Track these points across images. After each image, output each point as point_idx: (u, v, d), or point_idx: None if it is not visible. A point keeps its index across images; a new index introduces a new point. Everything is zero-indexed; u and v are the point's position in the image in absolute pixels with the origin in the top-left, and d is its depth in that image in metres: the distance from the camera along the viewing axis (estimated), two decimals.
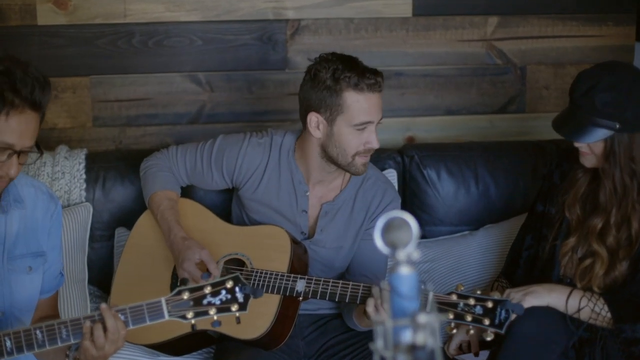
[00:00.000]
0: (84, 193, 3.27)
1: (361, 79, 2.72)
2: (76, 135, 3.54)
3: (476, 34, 3.58)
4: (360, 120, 2.75)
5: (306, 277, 2.77)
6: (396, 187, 3.35)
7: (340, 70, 2.73)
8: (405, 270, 1.74)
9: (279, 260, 2.80)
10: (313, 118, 2.79)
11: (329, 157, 2.81)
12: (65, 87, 3.49)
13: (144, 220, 3.06)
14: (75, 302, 3.13)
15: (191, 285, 2.22)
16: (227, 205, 3.18)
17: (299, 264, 2.85)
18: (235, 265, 2.88)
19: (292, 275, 2.78)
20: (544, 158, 3.39)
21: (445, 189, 3.39)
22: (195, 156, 3.03)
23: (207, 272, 2.39)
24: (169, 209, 2.95)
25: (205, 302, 2.22)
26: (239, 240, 2.91)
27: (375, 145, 2.77)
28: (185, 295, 2.22)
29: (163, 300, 2.21)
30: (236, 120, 3.57)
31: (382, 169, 3.33)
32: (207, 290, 2.22)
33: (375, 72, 2.75)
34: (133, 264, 3.03)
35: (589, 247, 2.73)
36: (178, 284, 2.29)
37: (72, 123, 3.53)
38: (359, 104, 2.74)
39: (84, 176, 3.28)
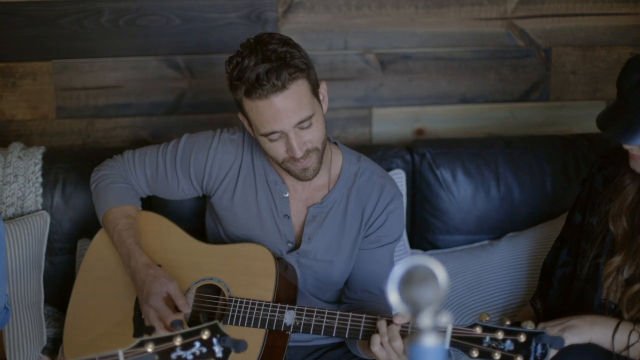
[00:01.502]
0: (40, 199, 2.93)
1: (252, 86, 2.35)
2: (37, 129, 3.27)
3: (495, 12, 3.31)
4: (263, 132, 2.41)
5: (296, 307, 2.40)
6: (404, 190, 3.04)
7: (236, 71, 2.38)
8: (430, 342, 1.35)
9: (262, 286, 2.45)
10: (245, 120, 2.49)
11: None
12: (24, 74, 3.23)
13: (100, 239, 2.68)
14: (29, 328, 2.75)
15: (157, 334, 1.78)
16: (200, 218, 2.83)
17: (287, 290, 2.49)
18: (210, 292, 2.52)
19: (279, 304, 2.41)
20: (574, 154, 3.12)
21: (462, 192, 3.09)
22: (156, 160, 2.67)
23: (178, 320, 1.97)
24: (126, 228, 2.58)
25: (174, 356, 1.81)
26: (214, 263, 2.54)
27: (297, 154, 2.40)
28: (150, 348, 1.81)
29: (121, 353, 1.79)
30: (221, 111, 3.29)
31: (388, 169, 3.01)
32: (178, 341, 1.79)
33: (271, 72, 2.33)
34: (89, 294, 2.66)
35: (638, 268, 2.38)
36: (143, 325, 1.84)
37: (33, 114, 3.27)
38: (255, 112, 2.39)
39: (40, 179, 2.94)
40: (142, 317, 2.49)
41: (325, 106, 2.50)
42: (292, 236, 2.60)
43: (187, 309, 2.43)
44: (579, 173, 3.05)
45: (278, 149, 2.42)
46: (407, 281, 1.38)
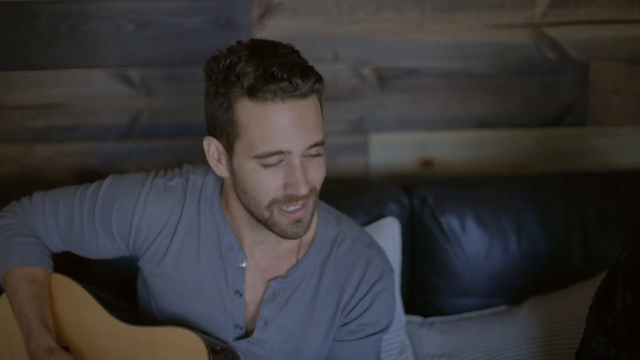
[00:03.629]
0: None
1: (261, 78, 1.83)
2: None
3: (520, 17, 2.92)
4: (262, 151, 1.87)
5: None
6: (398, 243, 2.58)
7: (235, 65, 1.87)
8: None
9: None
10: (212, 147, 1.97)
11: (245, 207, 1.99)
12: None
13: (2, 310, 2.16)
14: None
15: None
16: (134, 278, 2.33)
17: None
18: None
19: None
20: (616, 198, 2.71)
21: (473, 245, 2.65)
22: (72, 209, 2.15)
23: None
24: (30, 298, 2.07)
25: None
26: (131, 351, 2.04)
27: (302, 190, 1.88)
28: None
29: None
30: (183, 135, 2.92)
31: (379, 217, 2.60)
32: None
33: (293, 70, 1.84)
34: None
35: None
36: None
37: None
38: (258, 121, 1.86)
39: None
40: None
41: None
42: (243, 319, 2.08)
43: None
44: (621, 222, 2.65)
45: (270, 183, 1.89)
46: None
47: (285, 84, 1.82)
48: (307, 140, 1.87)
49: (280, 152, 1.86)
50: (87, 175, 2.83)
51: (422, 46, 2.90)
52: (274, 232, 1.96)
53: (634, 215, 2.21)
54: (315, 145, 1.89)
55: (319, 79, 1.90)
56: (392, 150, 2.94)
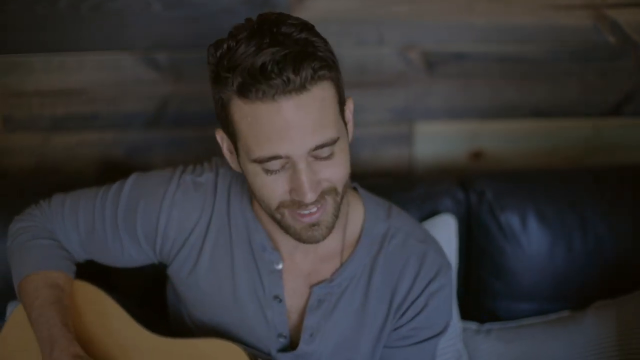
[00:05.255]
0: None
1: (250, 76, 1.61)
2: None
3: None
4: (258, 156, 1.67)
5: None
6: (454, 243, 2.38)
7: (231, 54, 1.65)
8: None
9: None
10: (224, 141, 1.82)
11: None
12: None
13: (19, 318, 1.97)
14: None
15: None
16: (162, 287, 2.15)
17: None
18: None
19: None
20: None
21: (534, 245, 2.45)
22: (93, 213, 1.97)
23: None
24: (51, 303, 1.88)
25: None
26: None
27: (307, 197, 1.67)
28: None
29: None
30: (215, 123, 2.70)
31: (432, 213, 2.41)
32: None
33: (283, 63, 1.60)
34: None
35: None
36: None
37: None
38: (249, 123, 1.66)
39: None
40: None
41: (350, 133, 1.79)
42: (286, 328, 1.90)
43: None
44: None
45: (275, 188, 1.69)
46: None
47: (275, 80, 1.60)
48: (307, 142, 1.64)
49: (279, 157, 1.65)
50: (110, 167, 2.69)
51: (473, 28, 2.73)
52: (289, 235, 1.77)
53: None
54: (323, 146, 1.66)
55: (324, 64, 1.66)
56: (439, 140, 2.78)
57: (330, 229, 1.75)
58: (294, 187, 1.67)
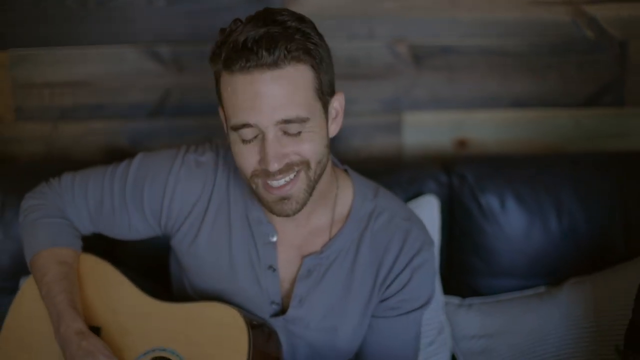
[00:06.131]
0: None
1: (234, 49, 1.78)
2: None
3: None
4: (234, 122, 1.83)
5: None
6: (437, 222, 2.50)
7: (229, 35, 1.83)
8: None
9: None
10: (221, 114, 1.95)
11: None
12: None
13: (29, 290, 2.10)
14: None
15: None
16: (165, 260, 2.28)
17: None
18: None
19: None
20: None
21: (513, 225, 2.56)
22: (101, 188, 2.10)
23: None
24: (59, 279, 2.01)
25: None
26: (169, 328, 1.97)
27: (271, 166, 1.81)
28: None
29: None
30: (215, 113, 2.77)
31: (417, 194, 2.53)
32: None
33: (260, 41, 1.77)
34: None
35: None
36: None
37: None
38: (229, 92, 1.83)
39: None
40: None
41: (336, 127, 1.94)
42: (278, 295, 2.02)
43: None
44: None
45: (248, 156, 1.85)
46: None
47: (249, 54, 1.75)
48: (275, 114, 1.79)
49: (249, 125, 1.79)
50: (116, 155, 2.77)
51: (458, 24, 2.82)
52: (264, 206, 1.90)
53: None
54: (290, 121, 1.80)
55: (302, 49, 1.80)
56: (426, 130, 2.86)
57: (302, 204, 1.88)
58: (262, 157, 1.82)
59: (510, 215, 2.55)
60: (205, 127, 2.77)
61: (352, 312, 2.04)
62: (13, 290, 2.38)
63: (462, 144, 2.89)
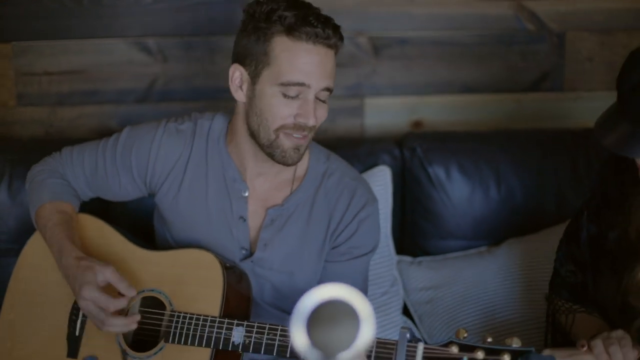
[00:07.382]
0: None
1: (300, 21, 2.11)
2: None
3: None
4: (288, 79, 2.13)
5: (245, 323, 2.10)
6: (390, 189, 2.76)
7: (277, 9, 2.14)
8: None
9: (208, 299, 2.15)
10: (236, 73, 2.20)
11: (251, 132, 2.22)
12: None
13: (33, 244, 2.40)
14: None
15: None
16: (149, 221, 2.55)
17: (238, 303, 2.20)
18: (152, 305, 2.23)
19: (227, 320, 2.12)
20: (585, 150, 2.84)
21: (457, 192, 2.81)
22: (95, 157, 2.41)
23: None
24: (60, 223, 2.30)
25: None
26: (156, 272, 2.25)
27: (310, 121, 2.14)
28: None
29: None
30: (196, 99, 3.04)
31: (373, 166, 2.78)
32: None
33: (327, 23, 2.15)
34: (17, 309, 2.36)
35: None
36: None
37: None
38: (290, 54, 2.13)
39: None
40: (77, 334, 2.24)
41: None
42: (247, 242, 2.32)
43: (131, 292, 2.14)
44: (591, 172, 2.79)
45: (284, 110, 2.15)
46: (316, 320, 1.07)
47: (320, 30, 2.10)
48: (324, 81, 2.13)
49: (302, 84, 2.12)
50: (107, 135, 2.99)
51: (413, 18, 3.04)
52: (273, 156, 2.19)
53: (599, 165, 2.32)
54: (327, 89, 2.15)
55: (342, 38, 2.18)
56: (385, 113, 3.08)
57: (302, 156, 2.21)
58: (301, 112, 2.13)
59: (454, 183, 2.79)
60: (187, 111, 2.77)
61: (308, 257, 2.32)
62: (19, 251, 2.61)
63: (417, 125, 3.10)
